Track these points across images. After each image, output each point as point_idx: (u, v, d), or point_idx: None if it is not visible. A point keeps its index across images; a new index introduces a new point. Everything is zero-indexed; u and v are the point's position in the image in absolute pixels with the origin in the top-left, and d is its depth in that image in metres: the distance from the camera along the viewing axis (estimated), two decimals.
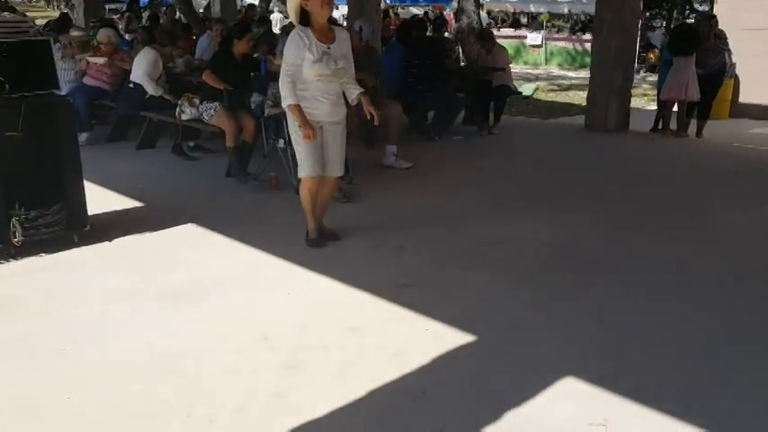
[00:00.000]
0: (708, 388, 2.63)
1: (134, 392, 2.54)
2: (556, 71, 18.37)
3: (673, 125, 8.04)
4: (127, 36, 9.59)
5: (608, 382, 2.63)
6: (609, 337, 3.05)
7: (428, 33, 8.57)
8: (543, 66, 19.34)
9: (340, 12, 16.00)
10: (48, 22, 10.42)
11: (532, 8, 21.09)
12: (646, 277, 3.74)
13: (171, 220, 4.50)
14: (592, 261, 3.99)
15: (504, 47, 8.64)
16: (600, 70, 8.10)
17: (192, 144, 6.57)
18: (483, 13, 18.79)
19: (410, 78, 6.90)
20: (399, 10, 20.76)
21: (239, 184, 5.47)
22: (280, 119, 4.88)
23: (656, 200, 5.32)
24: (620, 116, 8.11)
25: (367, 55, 6.18)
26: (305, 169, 3.97)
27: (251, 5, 14.22)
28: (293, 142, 4.02)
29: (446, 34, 12.42)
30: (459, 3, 15.29)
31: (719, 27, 8.04)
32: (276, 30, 13.02)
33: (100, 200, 4.85)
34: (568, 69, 18.37)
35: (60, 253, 3.90)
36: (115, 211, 4.75)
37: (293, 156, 4.23)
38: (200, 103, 5.60)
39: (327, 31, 3.86)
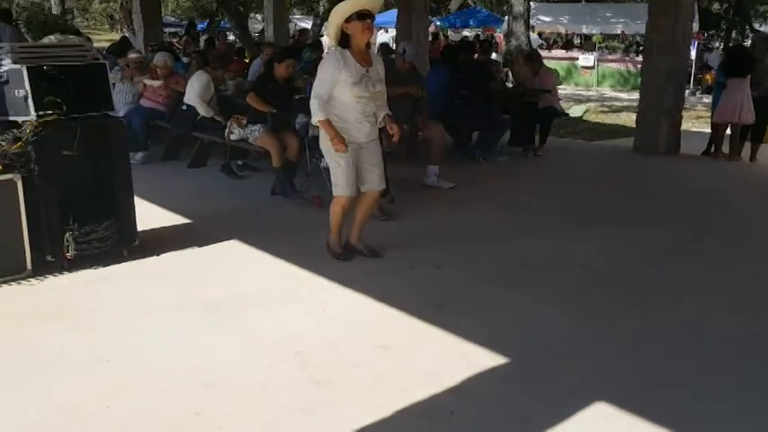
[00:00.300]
0: (736, 418, 2.56)
1: (169, 403, 2.63)
2: (608, 93, 18.14)
3: (726, 148, 7.84)
4: (184, 59, 9.97)
5: (639, 409, 2.58)
6: (643, 364, 3.00)
7: (475, 56, 8.64)
8: (595, 87, 19.14)
9: (389, 34, 16.23)
10: (110, 45, 10.91)
11: (585, 29, 20.90)
12: (687, 307, 3.65)
13: (216, 237, 4.64)
14: (632, 286, 3.92)
15: (551, 69, 8.62)
16: (650, 92, 8.00)
17: (240, 163, 6.77)
18: (533, 35, 18.78)
19: (455, 100, 6.95)
20: (450, 33, 20.86)
21: (285, 202, 5.61)
22: None
23: (704, 226, 5.20)
24: (670, 139, 7.97)
25: (410, 75, 6.28)
26: (340, 189, 4.06)
27: (303, 30, 14.57)
28: (328, 161, 4.12)
29: (494, 56, 12.49)
30: (508, 25, 15.37)
31: None
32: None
33: (150, 216, 5.05)
34: (621, 91, 18.13)
35: (110, 267, 4.07)
36: (164, 227, 4.92)
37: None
38: (246, 125, 5.78)
39: (366, 54, 3.96)
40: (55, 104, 3.79)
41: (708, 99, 14.34)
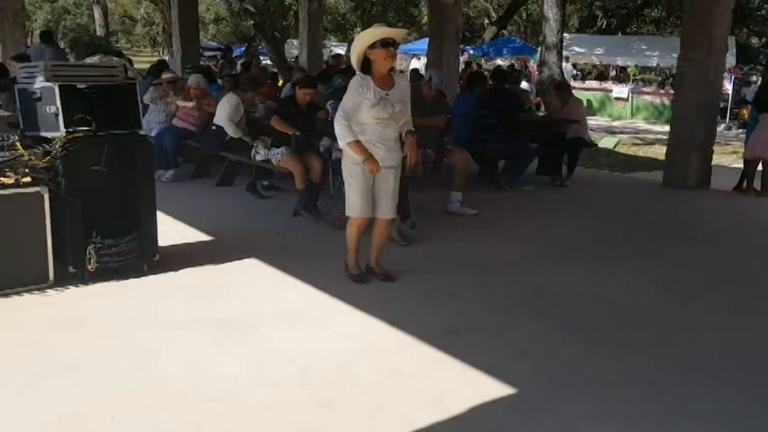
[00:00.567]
0: None
1: (172, 416, 2.65)
2: (642, 125, 17.97)
3: (758, 184, 7.68)
4: (220, 81, 10.20)
5: None
6: (654, 401, 2.93)
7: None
8: (628, 119, 18.97)
9: (422, 62, 16.37)
10: (149, 67, 11.22)
11: (620, 61, 20.80)
12: (704, 345, 3.56)
13: (236, 255, 4.70)
14: (648, 322, 3.84)
15: (579, 99, 8.59)
16: (680, 125, 7.90)
17: (266, 183, 6.86)
18: (567, 65, 18.75)
19: (482, 127, 6.97)
20: (483, 61, 20.97)
21: (306, 222, 5.67)
22: None
23: (727, 263, 5.08)
24: (700, 173, 7.84)
25: (436, 103, 6.32)
26: (355, 210, 4.10)
27: (337, 55, 14.77)
28: (346, 181, 4.16)
29: (525, 85, 12.50)
30: (541, 55, 15.38)
31: None
32: None
33: (174, 232, 5.15)
34: (654, 123, 17.93)
35: (129, 280, 4.14)
36: (186, 244, 5.00)
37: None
38: (270, 147, 5.88)
39: (387, 78, 4.02)
40: (84, 122, 3.91)
41: (744, 134, 14.11)
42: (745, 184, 7.80)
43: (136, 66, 14.57)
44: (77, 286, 4.02)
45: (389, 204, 4.19)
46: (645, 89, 20.02)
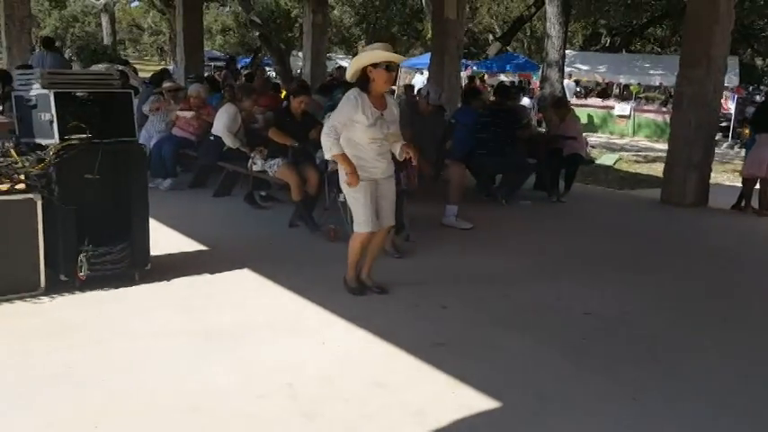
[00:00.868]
0: None
1: (155, 425, 2.65)
2: (643, 143, 17.99)
3: (756, 203, 7.68)
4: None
5: None
6: (639, 416, 2.92)
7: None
8: (630, 137, 18.99)
9: (424, 76, 16.45)
10: (150, 76, 11.29)
11: (622, 79, 20.86)
12: (691, 360, 3.55)
13: (229, 265, 4.70)
14: (637, 337, 3.84)
15: (577, 115, 8.60)
16: (678, 144, 7.92)
17: (263, 194, 6.88)
18: (568, 82, 18.82)
19: (479, 142, 6.99)
20: (486, 77, 21.04)
21: (301, 233, 5.68)
22: None
23: (719, 280, 5.07)
24: (698, 191, 7.84)
25: (434, 117, 6.35)
26: (366, 225, 4.13)
27: (341, 67, 14.88)
28: (349, 198, 4.19)
29: (526, 101, 12.55)
30: (543, 71, 15.46)
31: None
32: None
33: (168, 241, 5.15)
34: (656, 141, 17.94)
35: (120, 289, 4.14)
36: (180, 253, 5.01)
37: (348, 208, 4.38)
38: (267, 158, 5.90)
39: (381, 98, 4.08)
40: (78, 129, 3.94)
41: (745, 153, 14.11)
42: (743, 202, 7.80)
43: (141, 74, 14.69)
44: (69, 294, 4.02)
45: (390, 212, 4.27)
46: (647, 107, 20.05)
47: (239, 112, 6.84)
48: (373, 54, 3.99)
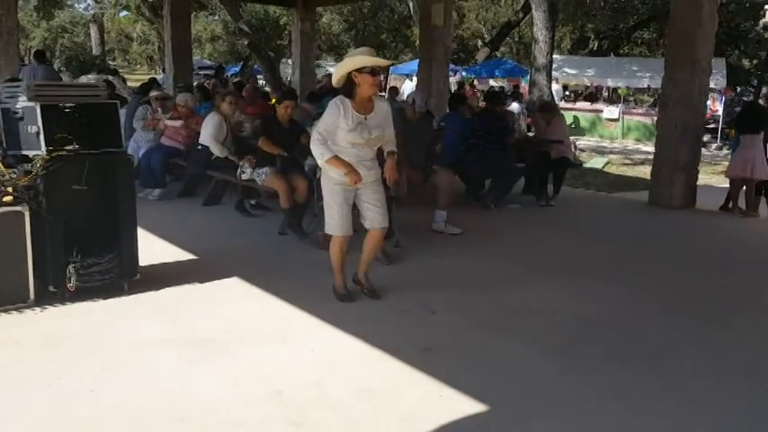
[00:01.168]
0: None
1: None
2: (632, 145, 18.12)
3: (743, 203, 7.75)
4: None
5: None
6: (626, 418, 2.95)
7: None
8: (619, 140, 19.11)
9: (414, 82, 16.50)
10: (139, 86, 11.30)
11: (610, 82, 21.00)
12: (676, 362, 3.59)
13: (218, 274, 4.71)
14: (624, 338, 3.87)
15: (563, 117, 8.67)
16: (665, 146, 7.98)
17: (253, 202, 6.89)
18: (556, 86, 18.93)
19: (468, 147, 7.04)
20: (476, 83, 21.13)
21: (291, 241, 5.69)
22: None
23: (705, 281, 5.11)
24: (685, 193, 7.90)
25: (421, 124, 6.39)
26: (335, 228, 4.14)
27: (330, 75, 14.89)
28: (324, 200, 4.20)
29: (513, 106, 12.62)
30: (531, 76, 15.57)
31: None
32: None
33: (158, 251, 5.16)
34: (645, 144, 18.07)
35: (109, 300, 4.15)
36: (169, 263, 5.01)
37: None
38: (255, 167, 5.92)
39: (367, 102, 4.08)
40: (65, 141, 3.95)
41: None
42: (730, 203, 7.87)
43: (130, 84, 14.70)
44: (58, 305, 4.03)
45: (377, 214, 4.23)
46: (635, 110, 20.20)
47: (224, 120, 6.85)
48: (357, 59, 4.01)
